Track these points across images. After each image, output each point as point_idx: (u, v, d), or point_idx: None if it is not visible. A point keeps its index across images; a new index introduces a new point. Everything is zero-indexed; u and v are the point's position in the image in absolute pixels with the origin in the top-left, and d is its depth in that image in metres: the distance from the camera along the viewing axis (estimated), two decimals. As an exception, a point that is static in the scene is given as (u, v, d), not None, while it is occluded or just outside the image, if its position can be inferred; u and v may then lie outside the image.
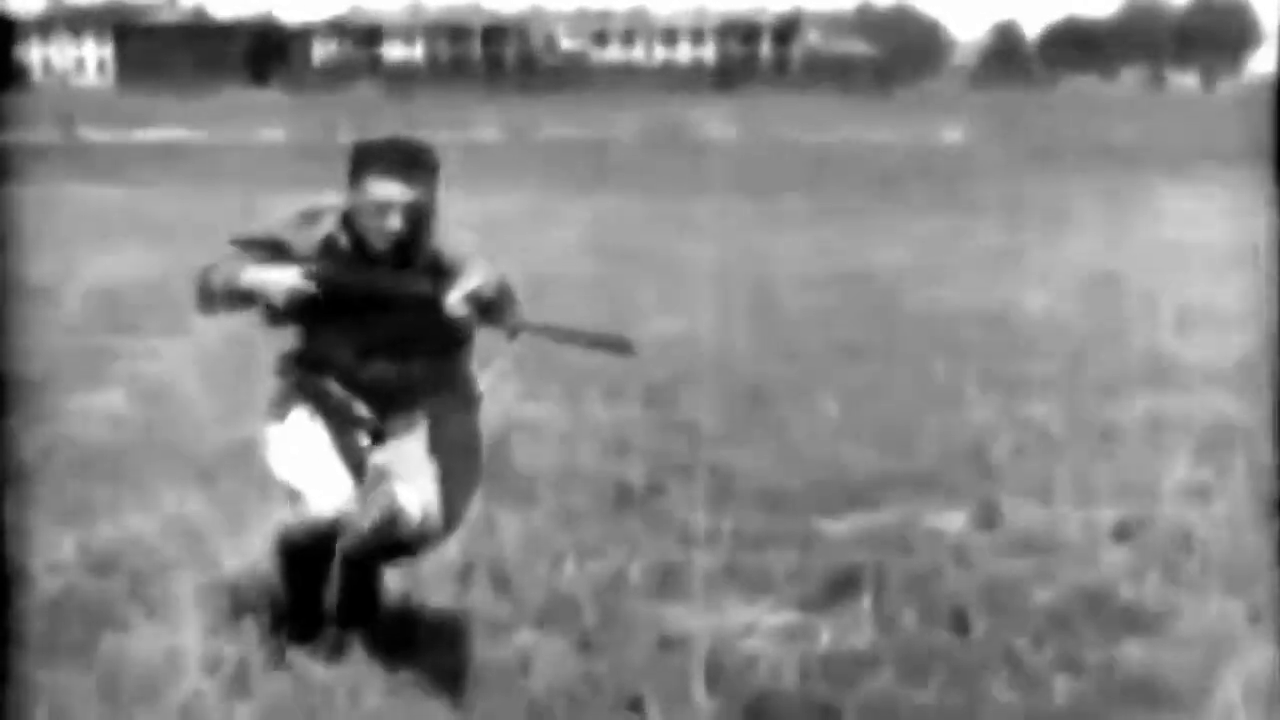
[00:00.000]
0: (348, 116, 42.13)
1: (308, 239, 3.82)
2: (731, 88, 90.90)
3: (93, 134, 35.57)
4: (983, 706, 3.93)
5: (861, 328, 9.67)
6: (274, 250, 3.84)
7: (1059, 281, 11.65)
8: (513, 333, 3.68)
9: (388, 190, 3.69)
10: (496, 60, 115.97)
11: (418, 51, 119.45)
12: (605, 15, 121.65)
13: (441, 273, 3.70)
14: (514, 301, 3.74)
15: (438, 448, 3.81)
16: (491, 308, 3.62)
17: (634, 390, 7.40)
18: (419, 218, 3.73)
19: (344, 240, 3.81)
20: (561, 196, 19.38)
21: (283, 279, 3.76)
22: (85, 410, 7.25)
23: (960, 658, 4.20)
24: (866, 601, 4.62)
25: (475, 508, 4.12)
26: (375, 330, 3.80)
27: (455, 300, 3.56)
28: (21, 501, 5.39)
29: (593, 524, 5.34)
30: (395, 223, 3.71)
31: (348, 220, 3.81)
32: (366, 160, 3.73)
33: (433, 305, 3.60)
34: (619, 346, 3.63)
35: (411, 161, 3.73)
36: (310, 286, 3.75)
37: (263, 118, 43.64)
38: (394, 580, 4.49)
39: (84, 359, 8.45)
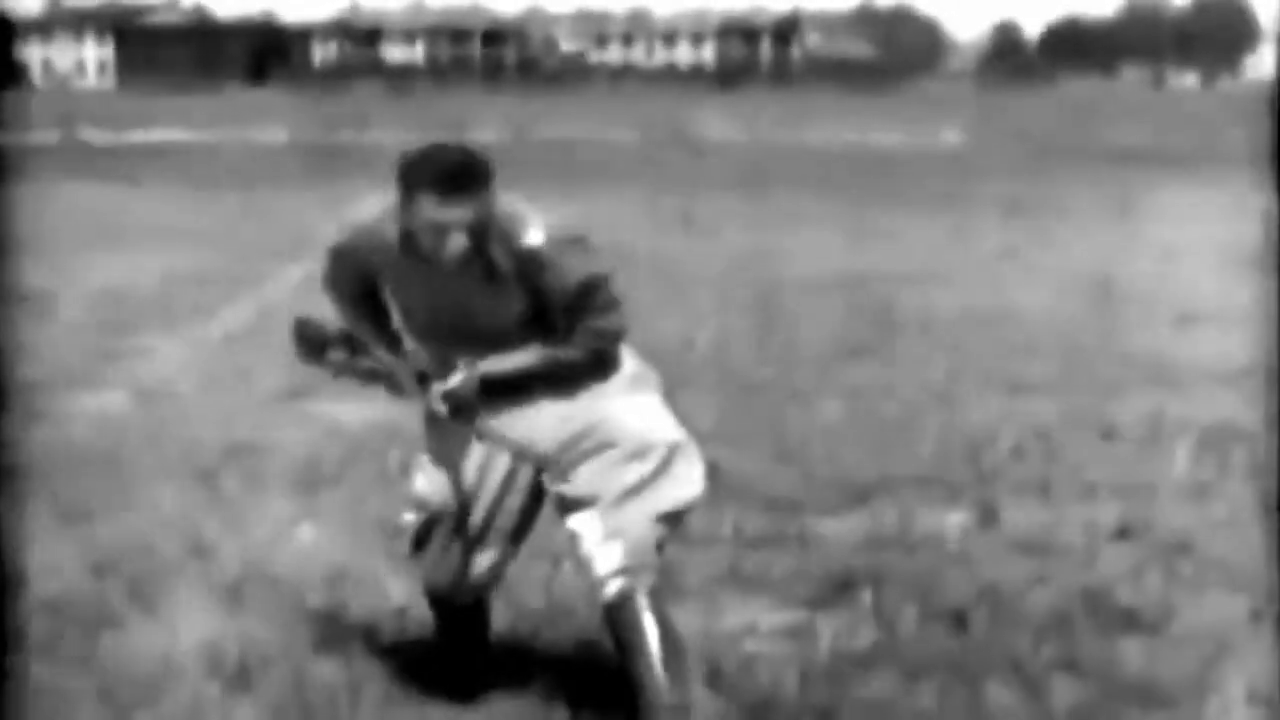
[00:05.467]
0: (348, 117, 42.14)
1: (381, 249, 3.60)
2: (731, 88, 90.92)
3: (93, 135, 35.56)
4: (982, 707, 3.93)
5: (861, 327, 9.67)
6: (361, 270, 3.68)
7: (1058, 281, 11.66)
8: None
9: (445, 213, 3.40)
10: (496, 61, 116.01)
11: (418, 52, 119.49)
12: (605, 16, 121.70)
13: (534, 272, 3.51)
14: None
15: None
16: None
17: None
18: (482, 232, 3.46)
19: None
20: (561, 197, 19.37)
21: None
22: (85, 411, 7.25)
23: (960, 658, 4.20)
24: (866, 602, 4.62)
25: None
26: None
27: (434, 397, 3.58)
28: (21, 502, 5.39)
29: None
30: (459, 243, 3.43)
31: (408, 235, 3.53)
32: (417, 179, 3.43)
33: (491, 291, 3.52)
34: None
35: (466, 177, 3.43)
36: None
37: (263, 118, 43.62)
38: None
39: (83, 360, 8.45)
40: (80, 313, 10.15)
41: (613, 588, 3.60)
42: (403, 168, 3.46)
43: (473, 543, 3.75)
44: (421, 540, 3.79)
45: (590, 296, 3.54)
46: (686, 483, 3.67)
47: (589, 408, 3.63)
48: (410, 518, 3.81)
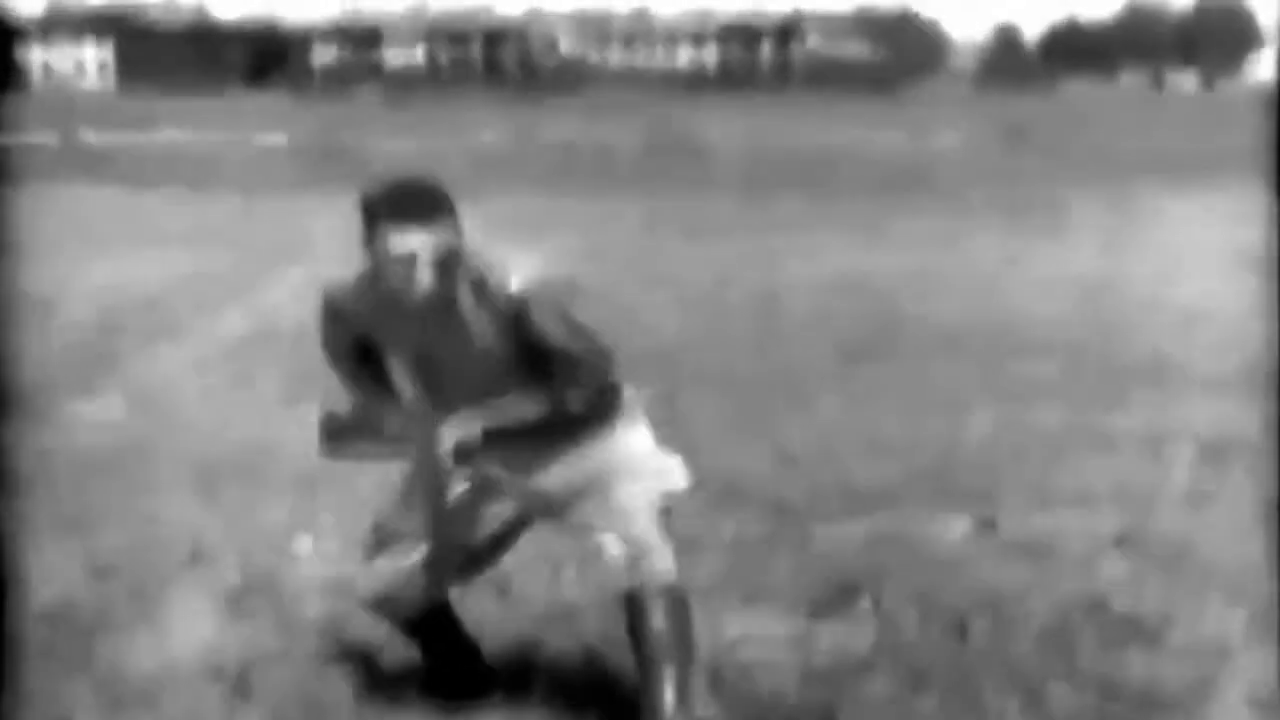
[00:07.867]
0: (348, 120, 42.15)
1: (365, 304, 3.62)
2: (732, 91, 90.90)
3: (93, 137, 35.57)
4: (982, 714, 3.93)
5: (861, 332, 9.67)
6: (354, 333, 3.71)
7: (1058, 286, 11.65)
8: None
9: (412, 241, 3.39)
10: (497, 64, 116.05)
11: (418, 55, 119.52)
12: (606, 19, 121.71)
13: (518, 321, 3.53)
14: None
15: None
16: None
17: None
18: (450, 263, 3.45)
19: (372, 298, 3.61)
20: (563, 200, 19.37)
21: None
22: (84, 416, 7.25)
23: (960, 665, 4.20)
24: (866, 608, 4.62)
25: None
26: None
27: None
28: (20, 508, 5.38)
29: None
30: (426, 275, 3.42)
31: (373, 277, 3.54)
32: (380, 212, 3.44)
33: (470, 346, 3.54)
34: None
35: (429, 205, 3.44)
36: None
37: (263, 121, 43.60)
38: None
39: (83, 364, 8.45)
40: (80, 316, 10.15)
41: (625, 580, 3.66)
42: (364, 201, 3.48)
43: (422, 567, 3.78)
44: (372, 551, 3.83)
45: (582, 352, 3.58)
46: (673, 477, 3.81)
47: (591, 448, 3.70)
48: (370, 534, 3.86)
